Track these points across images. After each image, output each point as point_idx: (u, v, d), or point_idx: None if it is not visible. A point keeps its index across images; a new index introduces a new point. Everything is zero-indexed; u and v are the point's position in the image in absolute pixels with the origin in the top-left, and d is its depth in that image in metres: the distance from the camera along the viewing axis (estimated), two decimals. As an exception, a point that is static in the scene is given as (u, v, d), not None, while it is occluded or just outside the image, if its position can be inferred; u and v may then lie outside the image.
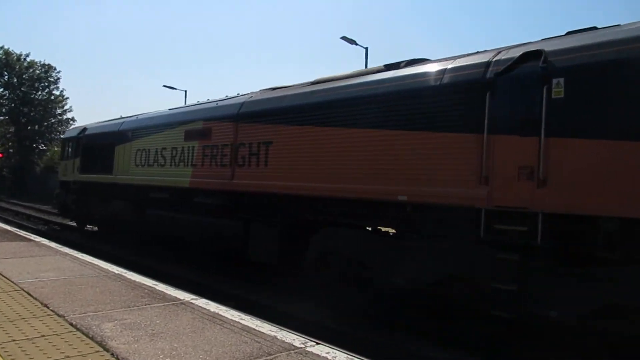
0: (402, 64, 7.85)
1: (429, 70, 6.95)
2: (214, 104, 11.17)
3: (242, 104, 9.99)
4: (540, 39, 6.45)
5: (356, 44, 25.14)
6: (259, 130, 9.28)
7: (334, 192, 7.75)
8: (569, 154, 5.38)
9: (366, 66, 22.40)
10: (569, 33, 6.24)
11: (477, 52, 6.90)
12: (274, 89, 10.33)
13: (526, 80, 5.81)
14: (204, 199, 10.66)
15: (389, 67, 8.01)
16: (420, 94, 6.80)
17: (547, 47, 5.79)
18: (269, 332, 4.75)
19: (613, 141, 5.09)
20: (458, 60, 6.78)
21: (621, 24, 5.85)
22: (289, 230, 8.80)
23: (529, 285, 5.69)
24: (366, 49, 25.46)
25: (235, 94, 11.45)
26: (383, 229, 7.79)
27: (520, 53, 5.96)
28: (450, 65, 6.72)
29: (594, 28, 6.08)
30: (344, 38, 24.82)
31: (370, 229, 7.87)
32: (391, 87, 7.23)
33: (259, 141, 9.23)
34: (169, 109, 13.68)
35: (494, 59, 6.23)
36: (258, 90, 10.79)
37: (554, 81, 5.54)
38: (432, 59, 7.94)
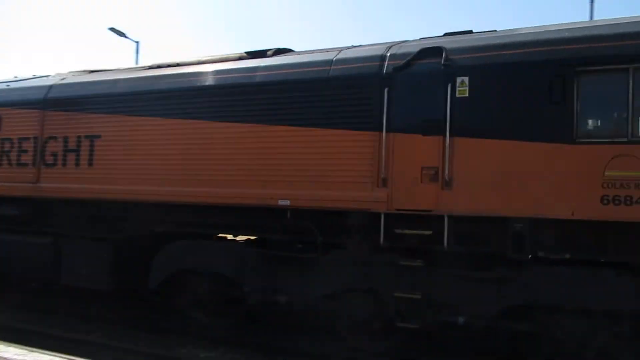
0: (269, 52, 6.96)
1: (312, 60, 6.25)
2: (3, 85, 8.56)
3: (51, 87, 7.80)
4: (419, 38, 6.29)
5: (126, 37, 22.65)
6: (80, 121, 7.34)
7: (189, 197, 6.49)
8: (475, 155, 5.26)
9: (137, 62, 20.55)
10: (447, 34, 6.19)
11: (360, 45, 6.42)
12: (91, 71, 8.36)
13: (429, 77, 5.53)
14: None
15: (252, 54, 7.04)
16: (305, 87, 6.05)
17: (446, 45, 5.60)
18: (14, 357, 4.39)
19: (517, 141, 5.11)
20: (343, 52, 6.21)
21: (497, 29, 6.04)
22: (126, 246, 7.10)
23: (434, 292, 5.42)
24: (137, 43, 23.05)
25: (30, 75, 8.99)
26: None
27: (419, 49, 5.67)
28: (336, 56, 6.11)
29: (470, 32, 6.14)
30: (112, 29, 22.13)
31: (245, 239, 6.81)
32: (268, 76, 6.30)
33: (80, 134, 7.30)
34: None
35: (388, 53, 5.83)
36: (67, 72, 8.62)
37: (459, 80, 5.37)
38: (296, 50, 7.30)
